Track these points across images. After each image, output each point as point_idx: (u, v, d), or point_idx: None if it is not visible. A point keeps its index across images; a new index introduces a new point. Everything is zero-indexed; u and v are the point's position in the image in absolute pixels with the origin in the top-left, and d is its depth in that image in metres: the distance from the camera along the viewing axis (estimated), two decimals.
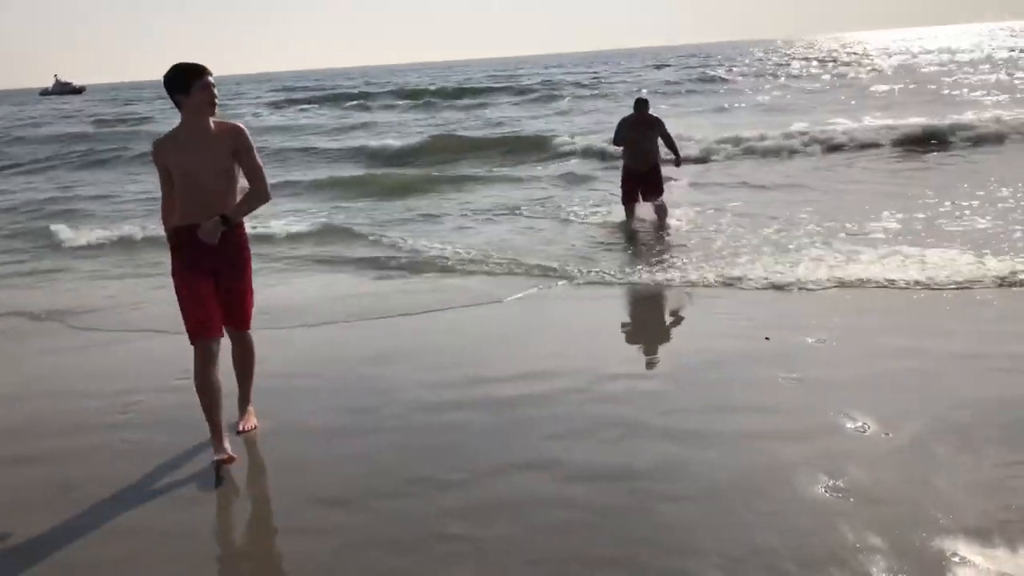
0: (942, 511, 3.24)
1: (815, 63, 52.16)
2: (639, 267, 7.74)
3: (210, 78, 3.95)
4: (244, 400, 4.54)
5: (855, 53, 65.65)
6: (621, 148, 10.12)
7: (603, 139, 15.84)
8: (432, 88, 44.53)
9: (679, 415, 4.44)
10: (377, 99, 41.64)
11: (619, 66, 68.95)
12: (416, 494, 3.68)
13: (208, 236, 3.92)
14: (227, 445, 4.01)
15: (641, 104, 10.00)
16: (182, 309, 4.07)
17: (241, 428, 4.44)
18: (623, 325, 6.62)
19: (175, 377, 5.11)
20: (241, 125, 4.10)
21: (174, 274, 4.08)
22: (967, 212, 9.37)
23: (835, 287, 6.63)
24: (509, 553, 3.17)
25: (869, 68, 44.04)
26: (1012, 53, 45.99)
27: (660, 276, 7.35)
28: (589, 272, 7.65)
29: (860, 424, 4.10)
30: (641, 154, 9.88)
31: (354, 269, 8.66)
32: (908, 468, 3.65)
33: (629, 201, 10.06)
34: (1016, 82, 28.34)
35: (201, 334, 4.04)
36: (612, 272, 7.62)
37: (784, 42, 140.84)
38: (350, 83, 66.20)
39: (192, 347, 4.07)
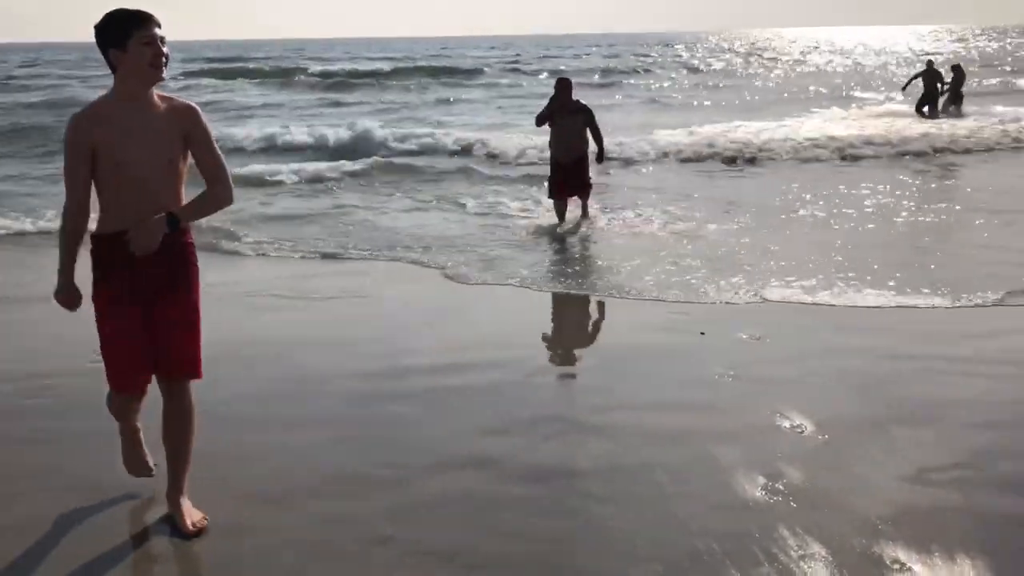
0: (880, 515, 3.24)
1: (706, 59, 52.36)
2: (559, 270, 7.44)
3: (158, 30, 2.94)
4: (177, 489, 3.25)
5: (764, 49, 67.37)
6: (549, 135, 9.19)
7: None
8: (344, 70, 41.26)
9: (617, 412, 4.39)
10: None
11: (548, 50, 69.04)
12: (348, 492, 3.53)
13: (144, 243, 2.95)
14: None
15: (563, 86, 9.07)
16: (101, 347, 3.11)
17: (188, 527, 3.17)
18: (559, 319, 6.53)
19: (89, 360, 4.82)
20: (195, 105, 3.14)
21: (95, 299, 3.07)
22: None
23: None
24: (443, 556, 3.05)
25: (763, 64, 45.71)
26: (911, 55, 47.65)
27: (582, 281, 7.24)
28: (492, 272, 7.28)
29: (797, 424, 4.11)
30: (563, 143, 8.99)
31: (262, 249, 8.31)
32: (845, 470, 3.65)
33: (556, 195, 9.12)
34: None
35: (125, 389, 3.16)
36: (523, 275, 7.14)
37: (716, 36, 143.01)
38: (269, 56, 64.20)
39: (113, 396, 3.28)
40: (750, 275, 6.79)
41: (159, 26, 2.96)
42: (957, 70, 20.47)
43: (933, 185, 11.66)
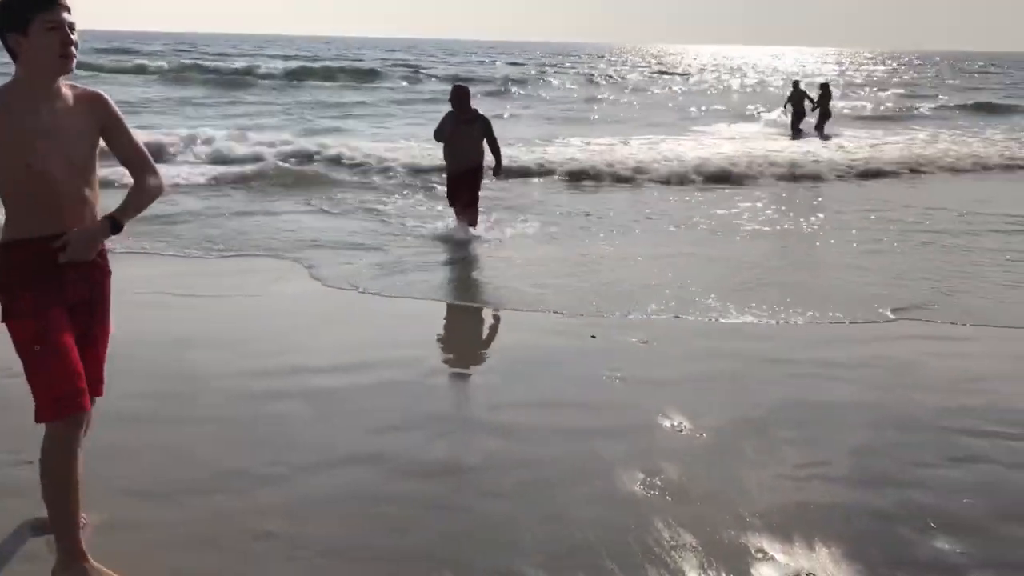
0: (749, 509, 3.42)
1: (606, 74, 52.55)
2: (453, 279, 7.48)
3: (66, 15, 2.62)
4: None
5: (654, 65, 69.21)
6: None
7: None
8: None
9: (506, 410, 4.48)
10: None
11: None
12: (231, 489, 3.50)
13: (83, 250, 2.69)
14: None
15: (459, 94, 8.77)
16: (35, 371, 2.68)
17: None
18: (452, 325, 6.54)
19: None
20: (103, 92, 2.86)
21: (14, 317, 2.68)
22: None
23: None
24: (328, 552, 3.07)
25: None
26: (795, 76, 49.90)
27: (475, 290, 7.32)
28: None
29: (677, 423, 4.27)
30: (459, 153, 8.72)
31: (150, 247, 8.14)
32: (719, 467, 3.83)
33: (454, 204, 8.91)
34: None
35: (74, 406, 2.70)
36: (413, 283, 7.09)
37: (618, 50, 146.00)
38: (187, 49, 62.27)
39: (46, 426, 2.74)
40: (636, 290, 6.96)
41: (68, 10, 2.63)
42: (824, 89, 21.43)
43: (798, 204, 12.04)
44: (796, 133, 20.59)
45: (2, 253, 2.71)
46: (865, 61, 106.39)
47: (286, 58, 53.29)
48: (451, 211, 8.98)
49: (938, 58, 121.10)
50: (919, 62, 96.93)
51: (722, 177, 13.58)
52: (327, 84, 34.52)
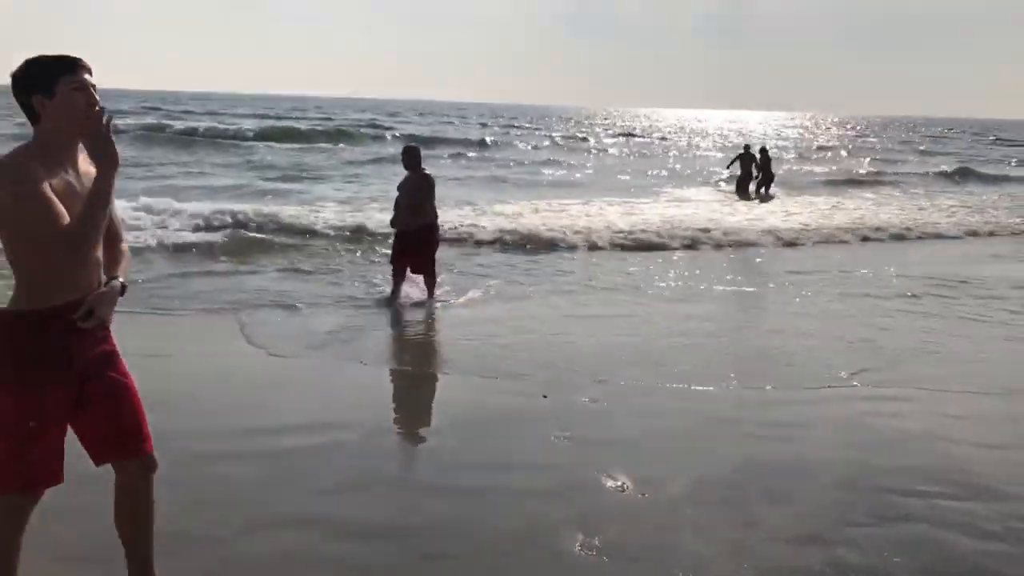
0: (684, 568, 3.48)
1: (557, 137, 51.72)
2: (400, 345, 7.44)
3: (88, 76, 2.64)
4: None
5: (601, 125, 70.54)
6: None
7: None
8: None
9: (453, 472, 4.53)
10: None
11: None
12: (169, 551, 3.49)
13: (105, 313, 2.69)
14: None
15: (409, 153, 8.75)
16: (17, 442, 2.63)
17: None
18: (402, 382, 6.58)
19: None
20: None
21: (13, 391, 2.62)
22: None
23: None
24: None
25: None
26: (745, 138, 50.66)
27: (422, 356, 7.36)
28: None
29: (620, 483, 4.34)
30: (405, 212, 8.62)
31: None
32: (660, 527, 3.89)
33: (396, 264, 8.72)
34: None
35: (40, 484, 2.71)
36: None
37: (589, 113, 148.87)
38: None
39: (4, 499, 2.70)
40: (586, 351, 7.07)
41: (90, 72, 2.65)
42: (763, 154, 22.13)
43: (742, 268, 12.12)
44: (743, 195, 21.19)
45: (14, 323, 2.63)
46: (831, 125, 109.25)
47: (257, 116, 53.57)
48: (403, 273, 8.74)
49: (912, 123, 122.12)
50: (881, 127, 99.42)
51: (656, 245, 13.36)
52: (285, 146, 33.17)
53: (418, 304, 8.57)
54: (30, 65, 2.61)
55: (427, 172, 8.72)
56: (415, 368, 6.84)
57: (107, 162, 2.59)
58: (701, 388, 6.10)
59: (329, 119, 55.48)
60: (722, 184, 24.36)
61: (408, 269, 8.71)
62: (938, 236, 16.10)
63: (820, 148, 50.53)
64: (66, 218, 2.53)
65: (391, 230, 9.03)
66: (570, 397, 5.79)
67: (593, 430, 5.21)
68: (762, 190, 21.55)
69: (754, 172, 21.63)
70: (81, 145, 2.68)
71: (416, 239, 8.60)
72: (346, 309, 8.42)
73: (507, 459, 4.73)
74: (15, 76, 2.61)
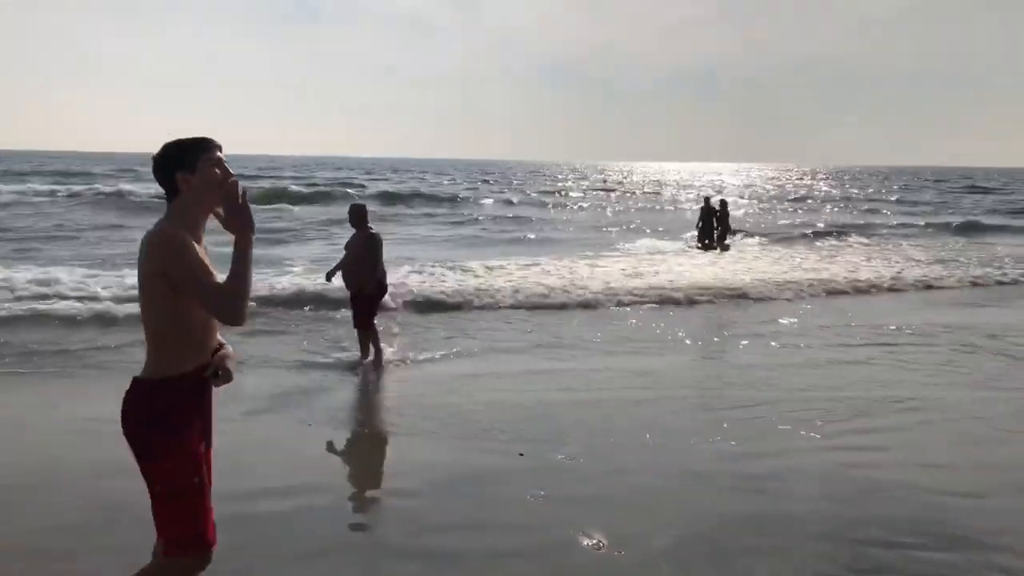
0: None
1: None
2: (362, 407, 7.32)
3: (220, 152, 2.91)
4: None
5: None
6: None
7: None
8: None
9: (429, 534, 4.47)
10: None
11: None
12: None
13: (231, 372, 2.98)
14: None
15: (355, 214, 8.61)
16: (184, 504, 2.86)
17: None
18: (373, 441, 6.50)
19: None
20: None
21: (173, 453, 2.83)
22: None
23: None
24: None
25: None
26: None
27: (385, 418, 7.35)
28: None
29: (596, 541, 4.31)
30: (351, 272, 8.50)
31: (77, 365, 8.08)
32: None
33: (357, 326, 8.65)
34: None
35: (211, 542, 2.98)
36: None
37: (569, 167, 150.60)
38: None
39: (163, 559, 2.93)
40: (563, 407, 7.07)
41: (221, 149, 2.91)
42: (722, 205, 23.06)
43: (710, 324, 12.23)
44: (705, 247, 21.75)
45: (160, 389, 2.82)
46: (804, 175, 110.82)
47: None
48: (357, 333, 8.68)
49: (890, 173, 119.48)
50: (862, 176, 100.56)
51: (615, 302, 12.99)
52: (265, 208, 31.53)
53: (375, 367, 8.39)
54: (173, 147, 2.86)
55: (374, 231, 8.53)
56: (385, 428, 6.77)
57: (245, 225, 2.81)
58: (675, 443, 6.10)
59: (302, 177, 55.70)
60: (691, 235, 24.56)
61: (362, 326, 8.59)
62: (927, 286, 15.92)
63: (796, 200, 50.73)
64: (219, 280, 2.77)
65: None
66: (547, 453, 5.77)
67: (568, 488, 5.17)
68: (724, 241, 22.29)
69: (714, 224, 22.30)
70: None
71: (360, 297, 8.49)
72: (312, 371, 8.30)
73: (482, 519, 4.69)
74: (159, 158, 2.87)
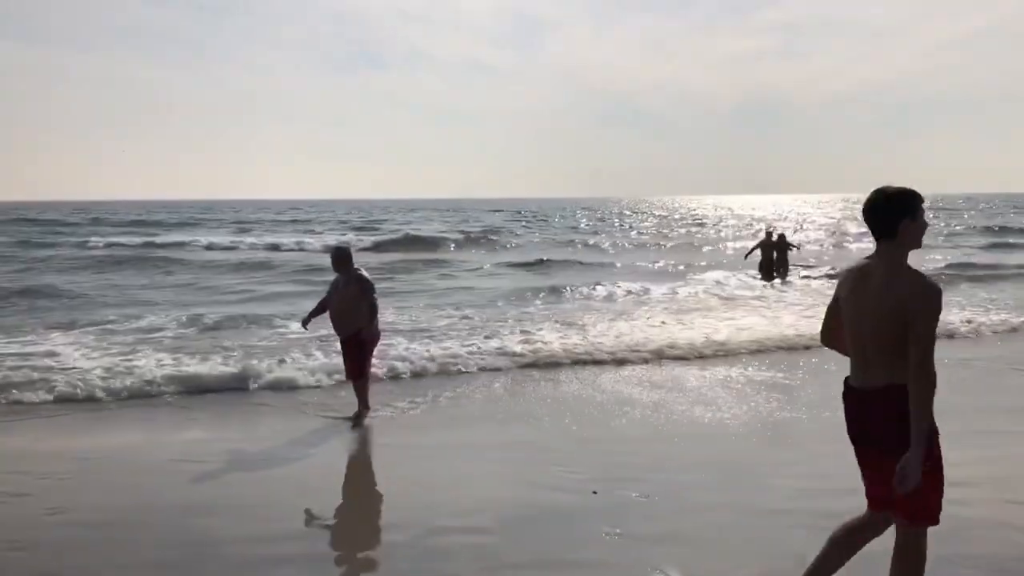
0: None
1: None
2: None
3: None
4: None
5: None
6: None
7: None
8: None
9: (504, 571, 4.50)
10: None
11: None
12: None
13: None
14: None
15: (337, 257, 8.15)
16: (935, 485, 3.43)
17: None
18: (448, 477, 6.55)
19: None
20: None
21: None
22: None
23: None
24: None
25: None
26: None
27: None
28: None
29: None
30: (336, 319, 8.11)
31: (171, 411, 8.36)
32: None
33: (348, 377, 8.27)
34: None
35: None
36: None
37: (631, 202, 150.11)
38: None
39: (910, 534, 3.54)
40: (634, 451, 7.03)
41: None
42: (781, 239, 22.58)
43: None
44: (769, 278, 21.51)
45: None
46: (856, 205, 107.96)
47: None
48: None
49: (961, 201, 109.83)
50: (941, 205, 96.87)
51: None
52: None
53: (357, 422, 7.88)
54: (902, 194, 3.25)
55: (362, 273, 8.10)
56: (456, 465, 6.82)
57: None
58: (751, 480, 6.01)
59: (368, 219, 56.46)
60: (752, 268, 24.07)
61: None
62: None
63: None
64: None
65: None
66: (620, 491, 5.74)
67: (643, 526, 5.14)
68: (780, 274, 22.02)
69: (774, 256, 22.03)
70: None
71: (348, 344, 8.07)
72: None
73: (558, 557, 4.68)
74: (887, 201, 3.26)
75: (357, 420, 7.95)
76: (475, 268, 26.37)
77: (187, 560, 4.65)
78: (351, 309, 7.98)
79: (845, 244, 37.85)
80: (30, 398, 8.67)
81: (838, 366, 10.39)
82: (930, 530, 4.90)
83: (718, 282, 21.26)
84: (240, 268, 26.11)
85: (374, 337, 8.14)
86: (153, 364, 10.17)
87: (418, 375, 10.04)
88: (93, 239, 38.26)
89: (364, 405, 8.13)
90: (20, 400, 8.61)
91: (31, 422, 7.95)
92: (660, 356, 11.09)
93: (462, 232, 42.76)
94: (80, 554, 4.70)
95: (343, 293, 8.03)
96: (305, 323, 8.31)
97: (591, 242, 38.05)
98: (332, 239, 37.36)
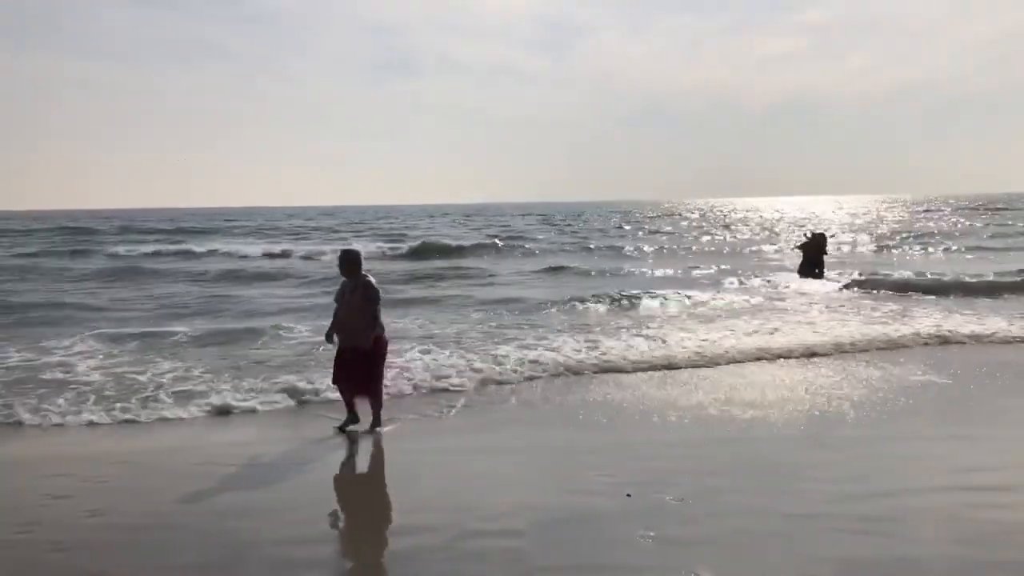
0: None
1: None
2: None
3: None
4: None
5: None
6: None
7: None
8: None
9: (537, 575, 4.49)
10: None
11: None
12: None
13: None
14: None
15: (345, 261, 7.70)
16: None
17: None
18: (486, 479, 6.59)
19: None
20: None
21: None
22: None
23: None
24: None
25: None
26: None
27: None
28: None
29: None
30: (343, 324, 7.64)
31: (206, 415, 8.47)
32: None
33: (338, 383, 7.75)
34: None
35: None
36: None
37: (668, 204, 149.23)
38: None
39: None
40: (667, 454, 7.00)
41: None
42: (822, 238, 22.61)
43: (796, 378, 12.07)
44: (812, 273, 21.61)
45: None
46: (920, 205, 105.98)
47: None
48: (352, 391, 7.77)
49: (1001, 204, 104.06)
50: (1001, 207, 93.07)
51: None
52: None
53: (370, 438, 7.48)
54: None
55: (369, 279, 7.69)
56: (488, 467, 6.83)
57: None
58: (787, 483, 5.96)
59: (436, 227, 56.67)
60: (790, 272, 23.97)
61: (352, 387, 7.71)
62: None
63: (923, 235, 43.46)
64: None
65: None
66: (654, 494, 5.71)
67: (677, 529, 5.11)
68: (818, 271, 22.01)
69: (816, 257, 22.04)
70: None
71: (356, 356, 7.60)
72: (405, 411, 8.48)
73: (592, 560, 4.67)
74: None
75: (374, 430, 7.62)
76: (512, 273, 26.32)
77: (224, 561, 4.70)
78: (357, 318, 7.57)
79: (878, 247, 37.31)
80: (69, 405, 8.82)
81: (879, 369, 10.33)
82: (972, 535, 4.85)
83: (769, 281, 21.29)
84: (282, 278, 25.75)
85: (382, 348, 7.70)
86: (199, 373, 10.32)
87: (450, 379, 10.04)
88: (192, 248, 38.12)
89: (377, 421, 7.72)
90: (55, 406, 8.75)
91: (71, 427, 8.10)
92: (691, 363, 11.00)
93: (495, 237, 42.75)
94: (121, 555, 4.77)
95: (350, 301, 7.64)
96: (330, 337, 7.78)
97: (626, 248, 37.71)
98: (374, 246, 37.33)
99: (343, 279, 7.80)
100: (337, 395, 8.10)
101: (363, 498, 5.86)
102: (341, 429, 7.68)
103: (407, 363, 10.55)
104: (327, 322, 7.92)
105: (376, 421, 7.72)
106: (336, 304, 7.84)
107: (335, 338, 7.73)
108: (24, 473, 6.56)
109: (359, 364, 7.59)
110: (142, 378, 9.95)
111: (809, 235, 22.96)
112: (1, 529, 5.22)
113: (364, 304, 7.56)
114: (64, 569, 4.61)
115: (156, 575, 4.51)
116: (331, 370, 7.84)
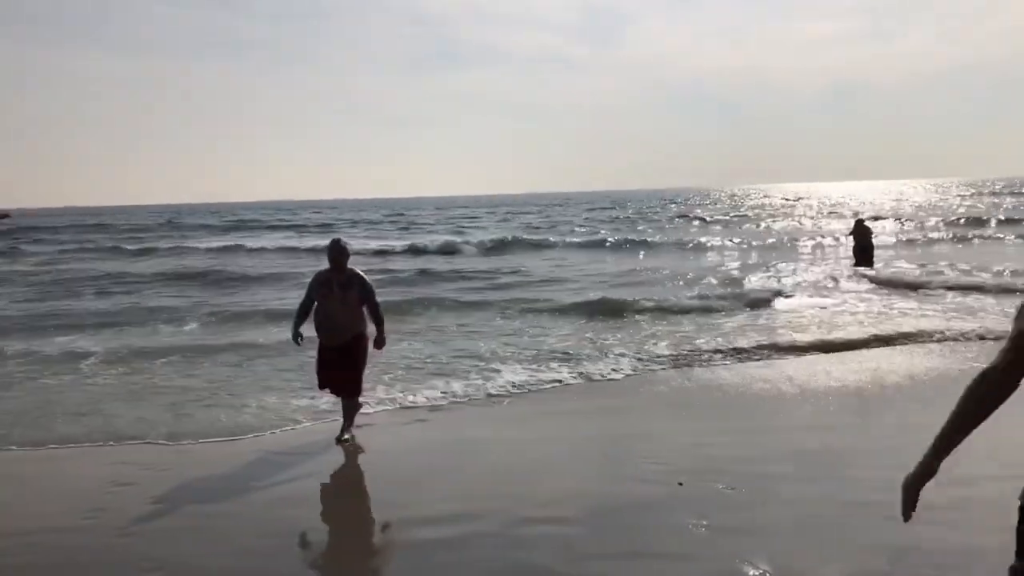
0: None
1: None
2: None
3: None
4: None
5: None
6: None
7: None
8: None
9: (590, 562, 4.51)
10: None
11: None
12: None
13: None
14: None
15: (334, 251, 7.08)
16: None
17: None
18: (538, 467, 6.62)
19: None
20: None
21: None
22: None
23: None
24: None
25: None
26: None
27: None
28: None
29: (761, 572, 4.22)
30: (329, 322, 7.06)
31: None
32: None
33: (326, 387, 7.28)
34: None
35: None
36: None
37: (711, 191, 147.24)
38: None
39: None
40: (719, 443, 6.95)
41: None
42: (862, 227, 22.07)
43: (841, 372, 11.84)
44: (857, 263, 21.17)
45: None
46: (971, 190, 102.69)
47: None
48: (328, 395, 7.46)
49: None
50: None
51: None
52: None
53: (341, 440, 6.99)
54: None
55: (358, 271, 7.19)
56: (538, 456, 6.86)
57: None
58: (841, 471, 5.88)
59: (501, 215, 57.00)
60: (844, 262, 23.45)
61: (337, 389, 7.23)
62: None
63: (970, 221, 40.87)
64: None
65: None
66: (706, 483, 5.69)
67: (730, 517, 5.08)
68: (869, 262, 21.51)
69: (871, 244, 21.62)
70: None
71: (344, 355, 7.11)
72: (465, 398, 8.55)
73: (644, 547, 4.68)
74: None
75: (346, 431, 7.09)
76: (582, 265, 26.01)
77: (282, 549, 4.81)
78: (353, 315, 7.08)
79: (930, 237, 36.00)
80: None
81: (929, 360, 10.10)
82: (1002, 539, 4.69)
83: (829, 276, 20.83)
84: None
85: (366, 343, 7.20)
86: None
87: (507, 367, 10.07)
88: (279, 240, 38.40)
89: (349, 422, 7.19)
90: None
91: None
92: (739, 351, 10.88)
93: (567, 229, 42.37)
94: (183, 541, 4.91)
95: (344, 298, 7.02)
96: (298, 339, 7.29)
97: (709, 243, 35.91)
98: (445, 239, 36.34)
99: (316, 272, 7.26)
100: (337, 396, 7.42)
101: (414, 486, 5.92)
102: (341, 440, 7.02)
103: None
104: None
105: (350, 421, 7.18)
106: (307, 300, 7.18)
107: (315, 336, 7.18)
108: (89, 461, 6.78)
109: (346, 360, 7.08)
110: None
111: (859, 223, 22.57)
112: (69, 515, 5.41)
113: (360, 300, 7.08)
114: (132, 554, 4.76)
115: (217, 561, 4.63)
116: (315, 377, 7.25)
